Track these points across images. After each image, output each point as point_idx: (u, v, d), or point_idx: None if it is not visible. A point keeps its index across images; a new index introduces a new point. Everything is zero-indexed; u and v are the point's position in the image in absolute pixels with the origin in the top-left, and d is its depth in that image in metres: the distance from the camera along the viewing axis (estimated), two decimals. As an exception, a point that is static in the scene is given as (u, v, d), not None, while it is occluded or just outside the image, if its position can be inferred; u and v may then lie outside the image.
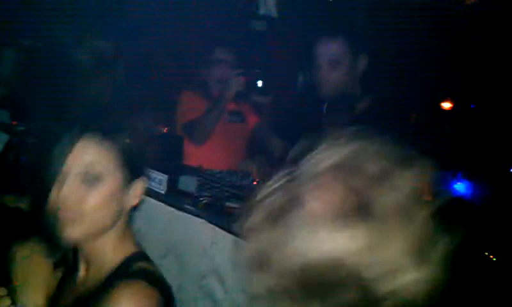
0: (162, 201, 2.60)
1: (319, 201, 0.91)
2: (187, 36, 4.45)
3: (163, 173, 2.66)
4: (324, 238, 0.89)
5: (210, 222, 2.46)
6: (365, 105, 3.08)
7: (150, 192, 2.63)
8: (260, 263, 0.95)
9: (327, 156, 0.95)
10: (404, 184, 0.91)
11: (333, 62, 2.99)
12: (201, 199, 2.64)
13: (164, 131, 3.98)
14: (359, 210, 0.89)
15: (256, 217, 0.98)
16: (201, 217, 2.48)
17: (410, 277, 0.88)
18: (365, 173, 0.92)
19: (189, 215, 2.52)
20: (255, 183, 2.80)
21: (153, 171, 2.65)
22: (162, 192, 2.60)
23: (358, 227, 0.88)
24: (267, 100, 3.51)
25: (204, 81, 3.89)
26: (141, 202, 2.63)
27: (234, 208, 2.67)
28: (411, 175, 0.92)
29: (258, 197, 0.99)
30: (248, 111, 3.84)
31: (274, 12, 4.14)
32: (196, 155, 3.61)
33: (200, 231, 2.45)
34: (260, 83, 3.43)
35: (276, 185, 0.99)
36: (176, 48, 4.45)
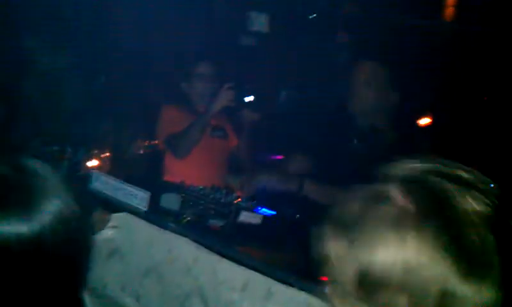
0: (144, 219, 2.53)
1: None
2: (172, 49, 4.40)
3: (145, 189, 2.58)
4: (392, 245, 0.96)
5: (194, 240, 2.38)
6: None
7: (131, 210, 2.57)
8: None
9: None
10: (470, 207, 0.97)
11: (368, 82, 3.06)
12: (184, 216, 2.58)
13: (145, 144, 3.92)
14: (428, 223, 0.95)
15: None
16: (184, 235, 2.41)
17: (460, 294, 0.93)
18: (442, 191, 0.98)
19: (172, 234, 2.45)
20: (239, 200, 2.74)
21: (135, 187, 2.58)
22: (144, 209, 2.53)
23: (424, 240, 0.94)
24: (257, 116, 3.49)
25: (185, 95, 3.84)
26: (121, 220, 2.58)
27: (218, 225, 2.61)
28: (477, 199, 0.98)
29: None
30: (228, 129, 3.79)
31: (266, 28, 4.13)
32: (179, 170, 3.54)
33: (182, 250, 2.38)
34: (249, 98, 3.39)
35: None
36: (160, 61, 4.40)
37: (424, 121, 5.21)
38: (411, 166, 1.05)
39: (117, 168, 3.25)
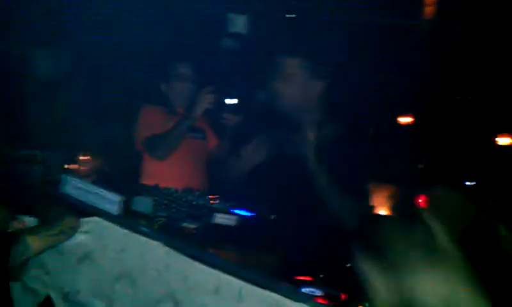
0: (116, 223, 2.49)
1: None
2: (153, 50, 4.37)
3: (118, 192, 2.55)
4: None
5: (166, 244, 2.35)
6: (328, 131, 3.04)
7: (103, 214, 2.53)
8: None
9: None
10: None
11: (286, 78, 2.97)
12: (156, 220, 2.54)
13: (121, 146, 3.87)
14: None
15: None
16: (157, 239, 2.37)
17: None
18: None
19: (144, 238, 2.41)
20: (213, 201, 2.71)
21: (107, 190, 2.54)
22: (116, 213, 2.49)
23: None
24: (238, 119, 3.47)
25: (165, 96, 3.81)
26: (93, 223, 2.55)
27: (191, 228, 2.57)
28: None
29: None
30: (207, 130, 3.76)
31: (243, 30, 4.11)
32: (156, 172, 3.51)
33: (154, 254, 2.35)
34: (230, 101, 3.38)
35: None
36: (139, 62, 4.36)
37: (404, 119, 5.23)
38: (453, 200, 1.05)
39: (92, 171, 3.21)
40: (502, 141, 5.32)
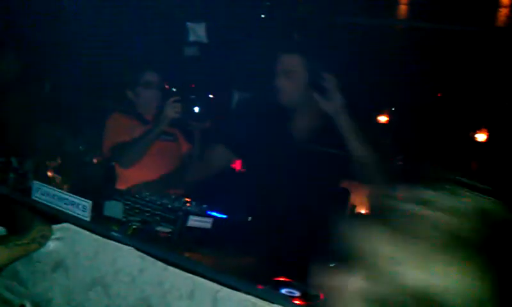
0: (88, 229, 2.44)
1: None
2: (118, 58, 4.32)
3: (91, 198, 2.49)
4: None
5: (139, 249, 2.30)
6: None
7: (73, 220, 2.48)
8: None
9: None
10: None
11: (287, 72, 3.07)
12: (129, 224, 2.50)
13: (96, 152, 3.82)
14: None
15: None
16: (129, 245, 2.32)
17: None
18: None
19: (117, 243, 2.36)
20: (188, 204, 2.66)
21: (77, 196, 2.48)
22: (87, 219, 2.43)
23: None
24: (205, 126, 3.47)
25: (132, 103, 3.77)
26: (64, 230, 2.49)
27: (165, 232, 2.53)
28: None
29: None
30: (179, 135, 3.74)
31: (204, 38, 4.08)
32: (130, 176, 3.46)
33: (127, 260, 2.30)
34: (196, 109, 3.39)
35: None
36: (106, 68, 4.31)
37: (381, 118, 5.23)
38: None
39: (65, 178, 3.15)
40: (481, 137, 5.34)
